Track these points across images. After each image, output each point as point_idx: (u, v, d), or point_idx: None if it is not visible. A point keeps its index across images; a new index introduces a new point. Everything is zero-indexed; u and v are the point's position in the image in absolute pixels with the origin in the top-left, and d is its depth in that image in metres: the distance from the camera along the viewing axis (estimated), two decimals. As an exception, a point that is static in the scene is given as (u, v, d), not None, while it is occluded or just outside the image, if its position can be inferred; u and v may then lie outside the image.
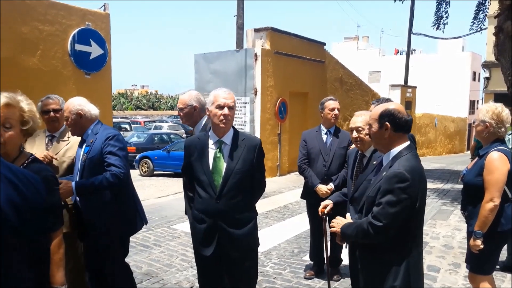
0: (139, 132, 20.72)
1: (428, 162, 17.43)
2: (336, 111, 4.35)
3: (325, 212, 3.38)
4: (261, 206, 8.07)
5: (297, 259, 5.08)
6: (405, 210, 2.18)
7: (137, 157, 14.29)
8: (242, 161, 2.76)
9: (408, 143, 2.36)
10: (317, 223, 4.38)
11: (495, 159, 2.97)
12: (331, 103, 4.37)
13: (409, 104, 19.18)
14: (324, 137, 4.41)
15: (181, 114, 3.44)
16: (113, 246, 3.07)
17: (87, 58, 6.72)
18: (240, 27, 11.61)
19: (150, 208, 7.66)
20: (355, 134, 3.08)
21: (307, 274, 4.54)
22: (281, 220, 6.98)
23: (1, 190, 1.50)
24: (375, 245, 2.30)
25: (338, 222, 2.53)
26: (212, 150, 2.80)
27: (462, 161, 16.61)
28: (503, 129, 3.06)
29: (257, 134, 11.11)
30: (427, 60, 35.94)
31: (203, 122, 3.43)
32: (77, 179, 3.03)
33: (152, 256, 5.12)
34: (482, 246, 2.98)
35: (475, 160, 3.26)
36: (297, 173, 4.62)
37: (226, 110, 2.72)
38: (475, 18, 13.93)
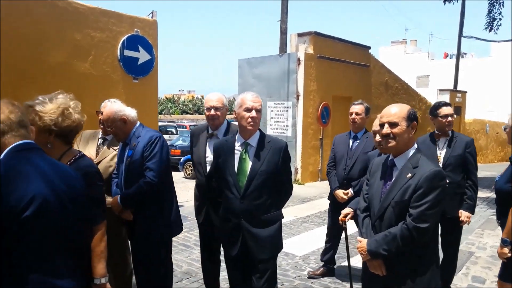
0: (185, 135, 21.17)
1: (479, 170, 16.67)
2: (354, 116, 4.31)
3: (346, 220, 3.35)
4: (301, 210, 8.11)
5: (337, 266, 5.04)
6: (442, 208, 2.22)
7: (181, 160, 14.61)
8: (266, 163, 2.80)
9: (416, 145, 2.36)
10: (332, 226, 4.55)
11: None
12: (352, 107, 4.38)
13: (458, 109, 18.49)
14: (351, 141, 4.40)
15: (218, 113, 3.41)
16: (154, 248, 3.14)
17: (135, 63, 6.97)
18: (283, 32, 11.65)
19: (192, 209, 7.81)
20: (378, 138, 3.03)
21: (310, 273, 4.70)
22: (321, 225, 6.93)
23: (44, 183, 1.63)
24: (411, 250, 2.25)
25: (361, 246, 2.40)
26: (238, 152, 2.87)
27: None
28: None
29: (299, 139, 11.11)
30: (479, 64, 34.44)
31: (225, 126, 3.48)
32: (122, 182, 3.15)
33: (192, 255, 5.24)
34: (510, 254, 2.85)
35: (508, 166, 3.13)
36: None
37: (254, 113, 2.78)
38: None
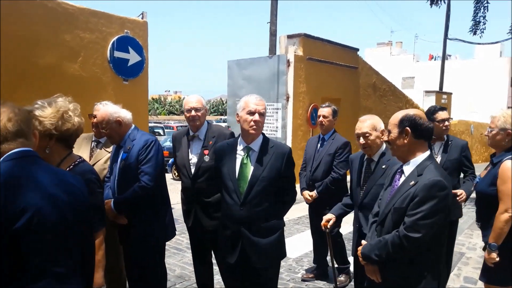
0: (172, 136, 21.00)
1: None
2: (321, 118, 4.42)
3: (328, 226, 3.36)
4: (292, 212, 8.04)
5: (329, 267, 5.04)
6: (442, 219, 2.13)
7: (170, 161, 14.48)
8: (269, 169, 2.69)
9: (429, 152, 2.31)
10: (311, 227, 4.73)
11: (509, 168, 2.81)
12: (320, 110, 4.50)
13: (444, 111, 18.69)
14: (319, 144, 4.51)
15: (199, 114, 3.40)
16: (150, 253, 3.11)
17: (125, 64, 6.90)
18: (273, 34, 11.65)
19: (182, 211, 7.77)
20: (362, 140, 3.03)
21: (304, 276, 4.70)
22: (313, 227, 6.95)
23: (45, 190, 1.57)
24: (402, 258, 2.22)
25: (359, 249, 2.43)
26: (239, 156, 2.77)
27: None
28: None
29: (289, 140, 11.12)
30: (463, 66, 34.96)
31: (206, 127, 3.46)
32: (115, 186, 3.10)
33: (185, 259, 5.20)
34: (498, 259, 2.84)
35: (489, 168, 3.11)
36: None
37: (256, 116, 2.69)
38: (513, 22, 13.49)
